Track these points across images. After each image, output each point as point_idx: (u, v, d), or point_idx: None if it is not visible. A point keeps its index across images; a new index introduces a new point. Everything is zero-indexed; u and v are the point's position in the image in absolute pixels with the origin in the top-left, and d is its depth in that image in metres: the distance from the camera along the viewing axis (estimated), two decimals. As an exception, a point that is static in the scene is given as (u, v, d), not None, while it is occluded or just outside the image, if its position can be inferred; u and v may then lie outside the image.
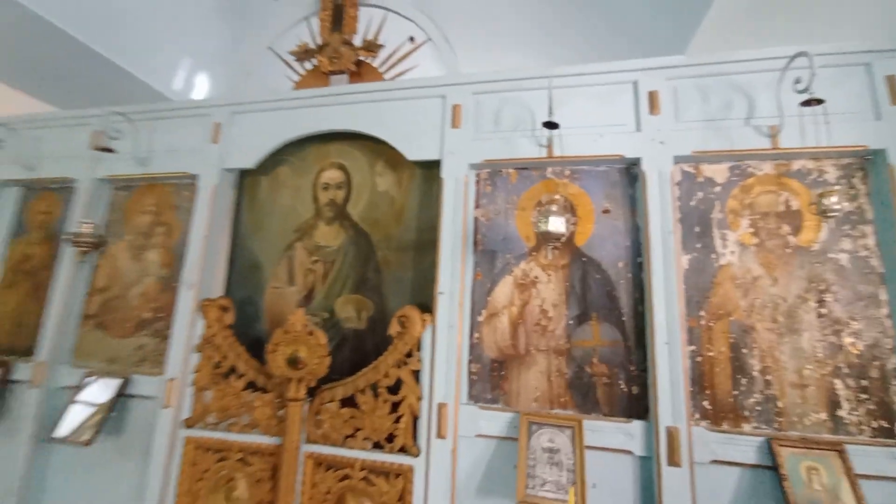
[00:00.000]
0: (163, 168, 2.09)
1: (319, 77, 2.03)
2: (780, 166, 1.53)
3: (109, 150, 2.03)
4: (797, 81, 1.41)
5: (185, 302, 1.88)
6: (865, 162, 1.48)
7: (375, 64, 2.03)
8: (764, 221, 1.50)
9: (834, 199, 1.24)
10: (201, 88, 3.19)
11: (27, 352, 2.11)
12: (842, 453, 1.27)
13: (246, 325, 1.95)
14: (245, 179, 2.12)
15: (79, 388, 1.91)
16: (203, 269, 1.92)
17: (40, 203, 2.32)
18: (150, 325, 2.00)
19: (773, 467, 1.29)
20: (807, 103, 1.36)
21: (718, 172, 1.58)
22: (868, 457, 1.27)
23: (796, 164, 1.52)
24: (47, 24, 2.39)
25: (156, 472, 1.74)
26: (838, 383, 1.35)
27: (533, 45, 3.62)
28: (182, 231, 2.06)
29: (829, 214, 1.26)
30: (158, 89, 2.93)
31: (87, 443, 1.76)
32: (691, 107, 1.60)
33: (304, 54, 2.04)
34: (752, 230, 1.50)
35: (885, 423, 1.30)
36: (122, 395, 1.88)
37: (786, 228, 1.48)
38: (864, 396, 1.33)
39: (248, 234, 2.09)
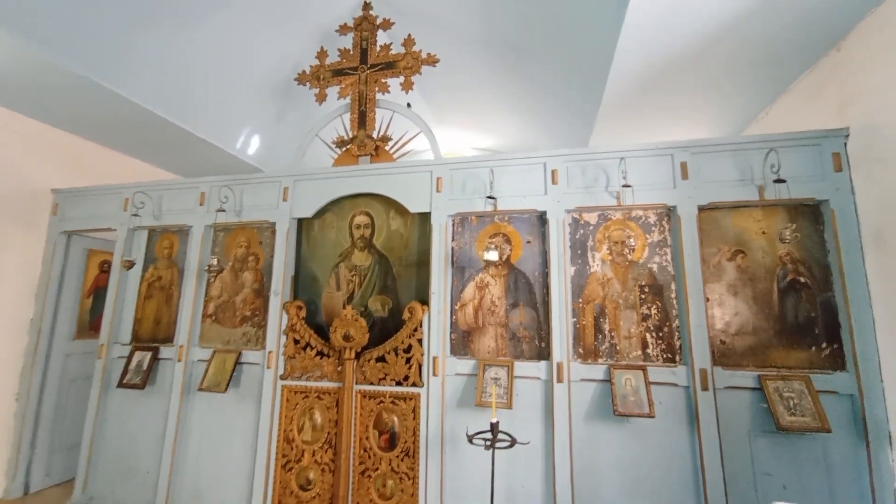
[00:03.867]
0: (251, 217, 3.33)
1: (351, 158, 3.26)
2: (625, 214, 2.75)
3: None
4: (623, 172, 2.63)
5: (274, 304, 3.13)
6: (669, 211, 2.69)
7: (387, 148, 3.25)
8: (615, 246, 2.73)
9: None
10: (254, 147, 4.43)
11: (166, 340, 3.37)
12: (645, 371, 2.49)
13: (311, 317, 3.19)
14: (304, 223, 3.36)
15: (210, 360, 3.17)
16: (283, 283, 3.16)
17: (164, 241, 3.57)
18: (250, 319, 3.25)
19: (609, 380, 2.52)
20: (626, 186, 2.58)
21: (591, 218, 2.80)
22: (659, 372, 2.50)
23: (634, 212, 2.74)
24: (153, 114, 3.59)
25: (265, 407, 2.99)
26: (648, 336, 2.57)
27: (499, 130, 5.05)
28: (265, 258, 3.30)
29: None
30: (228, 150, 4.17)
31: (224, 390, 3.02)
32: (576, 179, 2.82)
33: (341, 143, 3.27)
34: (608, 251, 2.73)
35: (669, 356, 2.53)
36: (238, 364, 3.13)
37: (626, 250, 2.70)
38: (660, 342, 2.55)
39: (308, 258, 3.33)
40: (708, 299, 2.53)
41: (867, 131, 2.33)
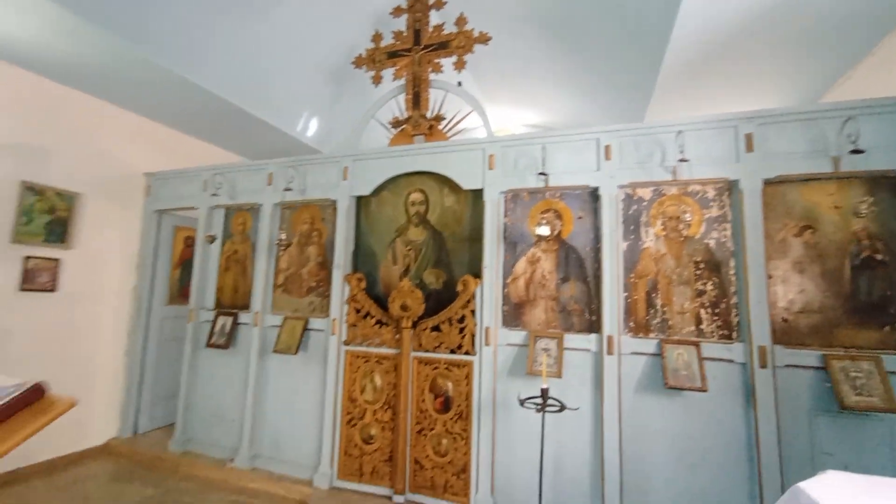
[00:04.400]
0: (314, 195, 3.61)
1: (406, 137, 3.42)
2: (681, 189, 2.71)
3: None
4: (680, 146, 2.59)
5: (337, 276, 3.42)
6: (730, 185, 2.62)
7: (441, 127, 3.37)
8: (670, 222, 2.71)
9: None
10: (312, 129, 4.72)
11: (243, 307, 3.79)
12: (698, 346, 2.51)
13: (370, 288, 3.45)
14: (362, 200, 3.59)
15: (281, 326, 3.54)
16: (344, 257, 3.43)
17: (239, 218, 3.96)
18: (315, 290, 3.57)
19: (660, 354, 2.56)
20: (682, 160, 2.54)
21: (645, 193, 2.79)
22: (714, 348, 2.51)
23: (690, 187, 2.70)
24: (226, 102, 3.92)
25: (331, 369, 3.32)
26: (702, 311, 2.57)
27: (551, 106, 4.94)
28: (328, 234, 3.59)
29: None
30: (290, 133, 4.48)
31: (294, 353, 3.38)
32: (629, 154, 2.81)
33: (397, 123, 3.43)
34: (662, 227, 2.72)
35: (725, 332, 2.52)
36: (305, 330, 3.48)
37: (682, 226, 2.68)
38: (715, 318, 2.54)
39: (366, 234, 3.57)
40: (770, 276, 2.47)
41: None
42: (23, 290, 3.44)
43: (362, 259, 3.55)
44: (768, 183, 2.54)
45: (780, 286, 2.45)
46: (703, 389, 2.40)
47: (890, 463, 2.12)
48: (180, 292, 4.67)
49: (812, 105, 2.57)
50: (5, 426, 1.00)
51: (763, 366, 2.37)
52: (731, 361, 2.47)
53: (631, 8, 3.22)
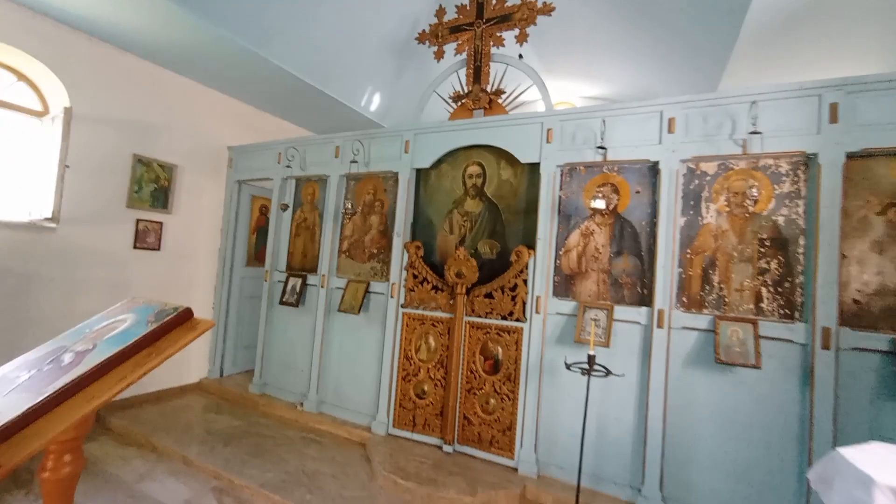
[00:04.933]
0: (377, 168, 3.87)
1: (466, 111, 3.55)
2: (750, 163, 2.63)
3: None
4: (753, 118, 2.50)
5: (397, 244, 3.69)
6: (808, 159, 2.50)
7: (500, 101, 3.46)
8: (735, 197, 2.65)
9: None
10: (375, 104, 4.97)
11: (311, 270, 4.21)
12: (755, 324, 2.49)
13: (427, 256, 3.69)
14: (422, 172, 3.80)
15: (345, 288, 3.91)
16: (404, 226, 3.69)
17: (308, 188, 4.35)
18: (376, 256, 3.89)
19: (713, 331, 2.57)
20: (754, 132, 2.46)
21: (710, 167, 2.73)
22: (773, 327, 2.48)
23: (761, 161, 2.61)
24: (296, 79, 4.24)
25: (389, 329, 3.64)
26: (763, 290, 2.53)
27: (612, 78, 4.77)
28: (389, 204, 3.86)
29: None
30: (354, 108, 4.77)
31: (357, 313, 3.74)
32: (695, 127, 2.75)
33: (457, 98, 3.57)
34: (726, 203, 2.67)
35: (787, 311, 2.47)
36: (367, 293, 3.81)
37: (748, 202, 2.61)
38: (777, 297, 2.50)
39: (425, 204, 3.79)
40: (845, 256, 2.38)
41: None
42: (136, 247, 4.07)
43: (421, 228, 3.79)
44: (851, 157, 2.40)
45: (854, 266, 2.35)
46: (756, 366, 2.40)
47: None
48: (256, 255, 5.22)
49: (911, 71, 2.37)
50: (169, 337, 1.33)
51: (826, 347, 2.31)
52: (790, 341, 2.43)
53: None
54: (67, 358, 1.31)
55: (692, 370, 2.66)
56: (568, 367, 2.60)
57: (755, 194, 2.62)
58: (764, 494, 2.44)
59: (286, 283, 4.25)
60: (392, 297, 3.66)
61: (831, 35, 2.83)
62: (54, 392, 1.17)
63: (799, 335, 2.42)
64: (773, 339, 2.48)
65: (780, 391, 2.44)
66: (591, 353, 2.48)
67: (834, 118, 2.44)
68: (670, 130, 2.80)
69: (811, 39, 2.87)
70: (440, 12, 3.67)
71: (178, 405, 4.17)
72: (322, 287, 4.05)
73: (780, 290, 2.52)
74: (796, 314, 2.47)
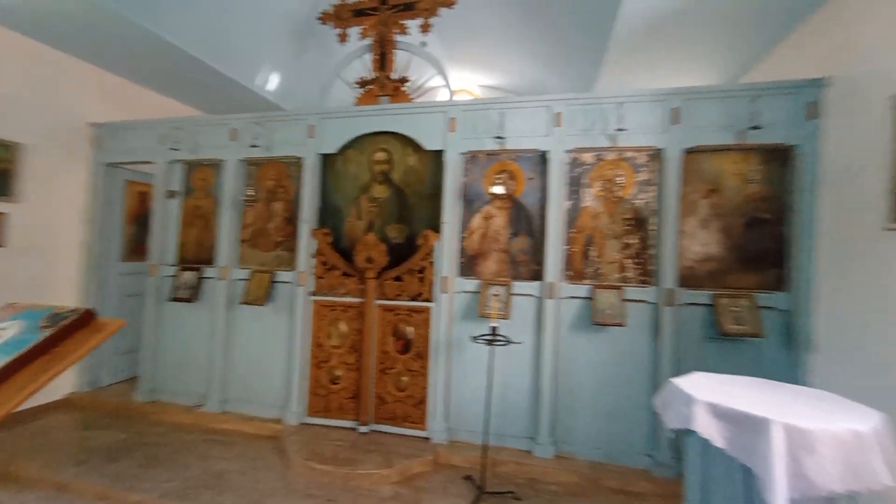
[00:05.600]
0: (280, 153, 3.75)
1: (372, 97, 3.61)
2: (618, 155, 3.15)
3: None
4: (620, 116, 2.99)
5: (304, 231, 3.65)
6: (658, 153, 3.08)
7: (405, 89, 3.59)
8: (607, 184, 3.16)
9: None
10: (273, 84, 4.74)
11: (209, 261, 3.94)
12: (621, 290, 3.02)
13: (335, 242, 3.71)
14: (328, 158, 3.77)
15: (249, 279, 3.75)
16: (311, 213, 3.65)
17: (200, 173, 4.03)
18: (282, 244, 3.79)
19: (591, 298, 3.06)
20: (620, 129, 2.96)
21: (588, 157, 3.21)
22: (634, 292, 3.04)
23: (626, 154, 3.14)
24: (181, 51, 3.88)
25: (298, 318, 3.60)
26: (629, 261, 3.08)
27: (507, 70, 5.20)
28: (294, 190, 3.77)
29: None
30: (250, 87, 4.49)
31: (263, 304, 3.62)
32: (577, 122, 3.19)
33: (363, 83, 3.61)
34: (601, 188, 3.16)
35: (644, 278, 3.05)
36: (273, 282, 3.71)
37: (616, 188, 3.13)
38: (637, 267, 3.06)
39: (331, 191, 3.79)
40: (682, 231, 3.00)
41: (842, 83, 2.65)
42: (-30, 241, 3.40)
43: (328, 215, 3.78)
44: (688, 152, 3.02)
45: (687, 240, 2.99)
46: (622, 325, 2.93)
47: (756, 375, 2.75)
48: (136, 248, 4.69)
49: (727, 84, 3.06)
50: (72, 340, 1.23)
51: (669, 304, 2.93)
52: (645, 302, 3.02)
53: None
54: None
55: (575, 333, 3.14)
56: (474, 339, 2.89)
57: (621, 181, 3.15)
58: (627, 426, 3.02)
59: (178, 277, 3.92)
60: (300, 285, 3.62)
61: (680, 49, 3.48)
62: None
63: (651, 296, 3.01)
64: (634, 301, 3.04)
65: (639, 343, 3.02)
66: (494, 325, 2.79)
67: (676, 120, 3.04)
68: (557, 124, 3.21)
69: (666, 51, 3.49)
70: (342, -6, 3.65)
71: (42, 426, 3.63)
72: (222, 279, 3.82)
73: (639, 260, 3.09)
74: (650, 280, 3.06)
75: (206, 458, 3.13)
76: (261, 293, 3.68)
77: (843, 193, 2.56)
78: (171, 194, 3.80)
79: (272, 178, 3.85)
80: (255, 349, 3.77)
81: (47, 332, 1.24)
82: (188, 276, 3.92)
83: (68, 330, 1.26)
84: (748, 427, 1.39)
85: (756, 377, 1.97)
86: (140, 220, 4.73)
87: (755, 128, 2.82)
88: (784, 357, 2.78)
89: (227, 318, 3.82)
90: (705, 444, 1.55)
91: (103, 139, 4.26)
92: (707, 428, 1.47)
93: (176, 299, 3.86)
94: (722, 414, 1.47)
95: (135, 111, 4.54)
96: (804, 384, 2.64)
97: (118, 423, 3.72)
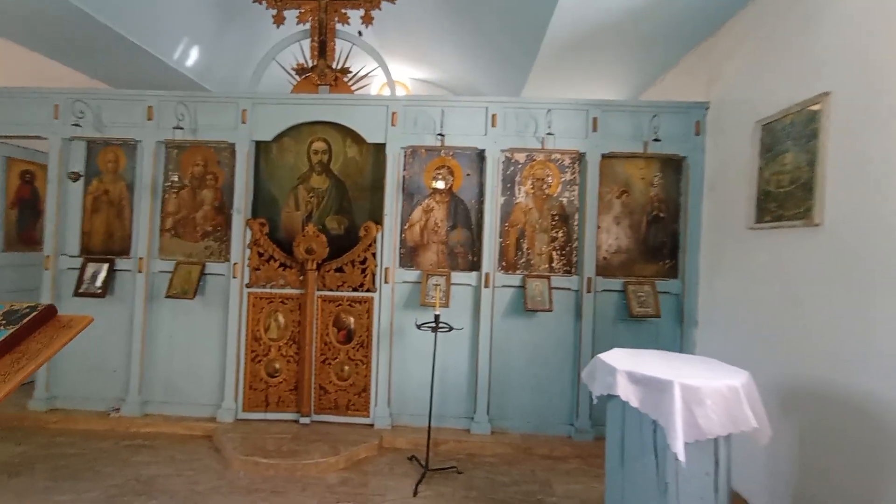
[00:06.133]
0: (207, 136, 3.51)
1: (311, 86, 3.52)
2: (546, 156, 3.48)
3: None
4: (548, 121, 3.30)
5: (238, 221, 3.48)
6: (581, 156, 3.46)
7: (346, 79, 3.55)
8: (537, 182, 3.47)
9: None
10: (192, 59, 4.34)
11: (122, 252, 3.58)
12: (549, 279, 3.38)
13: (271, 233, 3.59)
14: (261, 145, 3.61)
15: (174, 271, 3.48)
16: (245, 202, 3.48)
17: (108, 153, 3.62)
18: (211, 234, 3.57)
19: (523, 286, 3.38)
20: (549, 133, 3.27)
21: (521, 157, 3.49)
22: (560, 280, 3.41)
23: (553, 155, 3.48)
24: (92, 19, 3.43)
25: (233, 311, 3.46)
26: (554, 253, 3.44)
27: (439, 65, 5.37)
28: (225, 177, 3.56)
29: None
30: (165, 61, 4.08)
31: (192, 297, 3.39)
32: (511, 124, 3.45)
33: (301, 70, 3.49)
34: (531, 186, 3.47)
35: (568, 268, 3.44)
36: (203, 274, 3.49)
37: (545, 186, 3.46)
38: (562, 258, 3.44)
39: (266, 179, 3.65)
40: (599, 227, 3.42)
41: (718, 106, 3.21)
42: None
43: (262, 204, 3.64)
44: (604, 157, 3.43)
45: (604, 234, 3.43)
46: (549, 310, 3.29)
47: (656, 348, 3.28)
48: (19, 237, 4.07)
49: (635, 101, 3.52)
50: (38, 338, 1.11)
51: (589, 291, 3.34)
52: (569, 289, 3.41)
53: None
54: None
55: (509, 318, 3.44)
56: (419, 327, 3.04)
57: (550, 180, 3.48)
58: (553, 400, 3.42)
59: (83, 269, 3.50)
60: (234, 277, 3.46)
61: (599, 64, 3.89)
62: None
63: (574, 284, 3.41)
64: (560, 288, 3.42)
65: (563, 325, 3.41)
66: (437, 312, 2.96)
67: (595, 128, 3.43)
68: (493, 125, 3.44)
69: (588, 64, 3.87)
70: (278, -27, 3.48)
71: None
72: (140, 272, 3.49)
73: (564, 252, 3.46)
74: (573, 270, 3.45)
75: (129, 464, 2.91)
76: (188, 286, 3.44)
77: (719, 198, 3.12)
78: (75, 176, 3.36)
79: (199, 164, 3.58)
80: (182, 346, 3.52)
81: (11, 330, 1.13)
82: (96, 268, 3.51)
83: (30, 327, 1.16)
84: (656, 388, 1.73)
85: (657, 349, 2.39)
86: (25, 204, 4.11)
87: (656, 140, 3.30)
88: (676, 332, 3.35)
89: (147, 315, 3.52)
90: (623, 405, 1.88)
91: (-24, 108, 3.61)
92: (626, 392, 1.79)
93: (82, 294, 3.45)
94: (637, 380, 1.80)
95: (23, 78, 3.88)
96: (692, 353, 3.21)
97: (12, 435, 3.26)
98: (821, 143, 2.17)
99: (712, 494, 1.71)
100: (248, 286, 3.48)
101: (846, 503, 1.94)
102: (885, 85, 1.87)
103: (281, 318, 3.51)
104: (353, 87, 3.65)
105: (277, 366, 3.49)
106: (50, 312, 1.22)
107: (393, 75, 3.79)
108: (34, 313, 1.20)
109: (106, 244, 3.62)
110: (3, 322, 1.18)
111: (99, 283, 3.47)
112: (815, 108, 2.21)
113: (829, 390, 2.06)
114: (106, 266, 3.52)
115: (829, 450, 2.05)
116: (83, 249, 3.62)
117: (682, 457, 1.60)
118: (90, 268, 3.53)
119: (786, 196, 2.39)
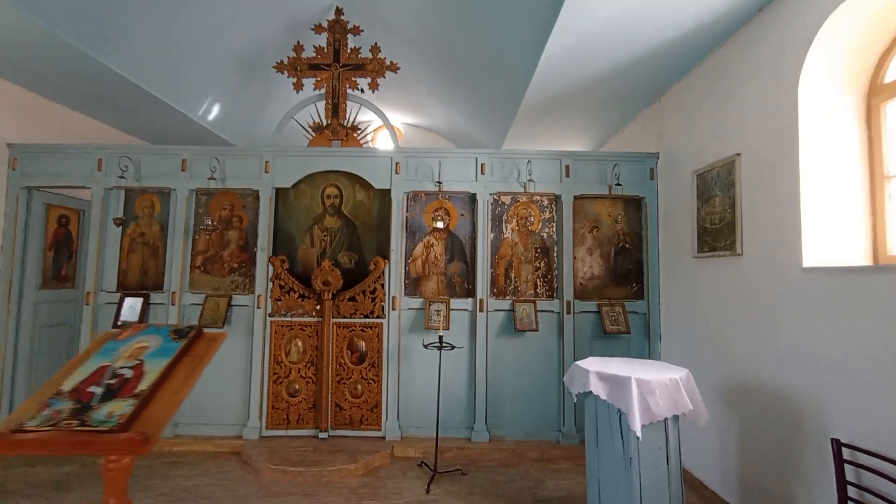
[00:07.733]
0: (234, 185, 4.01)
1: (325, 140, 4.09)
2: (528, 198, 4.08)
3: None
4: (529, 169, 3.93)
5: (261, 258, 3.94)
6: (557, 198, 4.08)
7: (356, 135, 4.14)
8: (521, 220, 4.06)
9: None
10: (213, 113, 4.89)
11: (156, 287, 3.98)
12: (535, 303, 3.92)
13: (289, 267, 4.06)
14: (280, 191, 4.12)
15: (203, 303, 3.90)
16: (268, 241, 3.96)
17: (145, 200, 4.07)
18: (237, 270, 4.02)
19: (512, 310, 3.90)
20: (530, 180, 3.89)
21: (506, 199, 4.09)
22: (543, 304, 3.95)
23: (534, 198, 4.08)
24: (121, 77, 3.95)
25: (258, 338, 3.87)
26: (538, 280, 3.99)
27: (431, 114, 6.09)
28: (249, 219, 4.05)
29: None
30: (191, 117, 4.62)
31: (220, 326, 3.81)
32: (497, 171, 4.06)
33: (317, 128, 4.07)
34: (516, 224, 4.05)
35: (550, 293, 3.99)
36: (230, 306, 3.91)
37: (528, 223, 4.05)
38: (545, 285, 3.99)
39: (284, 220, 4.14)
40: (575, 257, 4.01)
41: (666, 156, 3.89)
42: None
43: (281, 242, 4.12)
44: (576, 198, 4.06)
45: (579, 263, 4.01)
46: (536, 330, 3.81)
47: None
48: (55, 276, 4.43)
49: (598, 152, 4.18)
50: (198, 347, 1.57)
51: (568, 312, 3.89)
52: (552, 311, 3.95)
53: (503, 61, 4.42)
54: (126, 372, 1.49)
55: (501, 338, 3.95)
56: (425, 346, 3.52)
57: (532, 219, 4.08)
58: (541, 406, 3.90)
59: (121, 303, 3.88)
60: (259, 307, 3.90)
61: (570, 118, 4.58)
62: (149, 387, 1.43)
63: (556, 307, 3.95)
64: (544, 311, 3.96)
65: (548, 343, 3.93)
66: (441, 334, 3.45)
67: (568, 174, 4.06)
68: (482, 172, 4.05)
69: (561, 118, 4.56)
70: (298, 48, 4.09)
71: (-44, 469, 3.33)
72: (172, 304, 3.90)
73: (546, 280, 4.02)
74: (554, 294, 4.01)
75: (169, 477, 3.25)
76: (217, 316, 3.86)
77: (671, 233, 3.76)
78: (119, 222, 3.80)
79: (226, 208, 4.07)
80: (211, 371, 3.86)
81: (183, 341, 1.57)
82: (133, 302, 3.91)
83: (194, 339, 1.61)
84: (618, 384, 2.25)
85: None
86: (60, 246, 4.48)
87: (618, 184, 3.95)
88: (644, 346, 3.91)
89: (177, 343, 3.90)
90: (596, 399, 2.39)
91: (24, 161, 4.04)
92: (597, 388, 2.31)
93: (120, 326, 3.83)
94: (605, 378, 2.32)
95: (57, 134, 4.35)
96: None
97: (53, 458, 3.55)
98: (737, 191, 2.81)
99: (665, 464, 2.21)
100: (270, 315, 3.92)
101: (776, 470, 2.46)
102: (777, 149, 2.52)
103: (300, 344, 3.94)
104: (360, 141, 4.24)
105: (297, 386, 3.89)
106: (199, 332, 1.67)
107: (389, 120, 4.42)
108: (193, 331, 1.64)
109: (140, 280, 4.03)
110: (176, 336, 1.62)
111: (136, 315, 3.86)
112: (732, 163, 2.87)
113: (755, 384, 2.62)
114: (141, 300, 3.92)
115: (760, 430, 2.59)
116: (119, 285, 4.02)
117: (640, 435, 2.12)
118: (128, 301, 3.92)
119: (717, 232, 3.01)
